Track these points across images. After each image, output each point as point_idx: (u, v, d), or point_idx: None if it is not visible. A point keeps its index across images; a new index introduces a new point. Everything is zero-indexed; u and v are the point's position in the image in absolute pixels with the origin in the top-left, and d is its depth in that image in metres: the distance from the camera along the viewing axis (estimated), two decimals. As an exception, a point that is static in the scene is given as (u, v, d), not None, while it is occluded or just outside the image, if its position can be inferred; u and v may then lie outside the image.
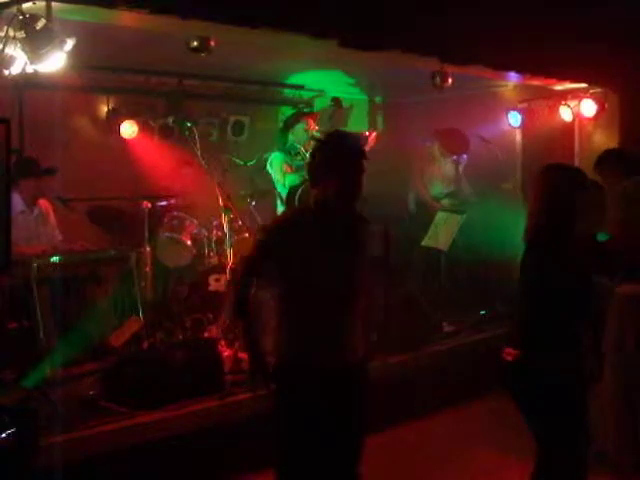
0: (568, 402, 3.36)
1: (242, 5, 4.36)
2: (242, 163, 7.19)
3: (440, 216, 7.23)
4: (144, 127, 7.29)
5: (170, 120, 7.36)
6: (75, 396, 4.78)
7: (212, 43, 5.21)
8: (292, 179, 5.95)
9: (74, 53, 4.31)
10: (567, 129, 7.82)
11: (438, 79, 6.58)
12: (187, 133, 6.92)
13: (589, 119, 7.65)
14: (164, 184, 7.14)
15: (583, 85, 7.46)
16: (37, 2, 4.06)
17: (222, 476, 4.61)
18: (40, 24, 4.08)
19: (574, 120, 7.75)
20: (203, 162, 6.51)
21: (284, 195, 5.93)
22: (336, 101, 8.31)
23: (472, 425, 5.64)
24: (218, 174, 6.57)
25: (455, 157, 7.81)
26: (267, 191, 6.47)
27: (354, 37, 4.91)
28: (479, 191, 7.78)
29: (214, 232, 6.58)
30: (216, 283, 6.32)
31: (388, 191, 8.18)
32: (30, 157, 6.01)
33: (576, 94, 7.65)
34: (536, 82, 7.49)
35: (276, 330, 3.28)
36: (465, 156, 7.86)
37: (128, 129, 7.20)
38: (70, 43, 4.23)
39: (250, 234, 6.13)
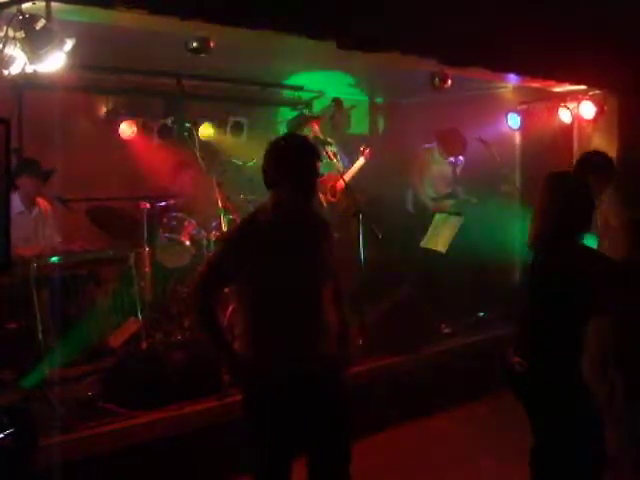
0: (583, 406, 3.33)
1: (241, 6, 4.35)
2: (241, 164, 7.19)
3: (438, 218, 7.23)
4: (143, 127, 7.29)
5: (169, 120, 7.36)
6: (74, 396, 4.78)
7: (211, 44, 5.22)
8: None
9: (73, 53, 4.31)
10: (566, 131, 7.82)
11: (437, 80, 6.59)
12: (186, 134, 6.93)
13: (588, 121, 7.65)
14: (163, 184, 7.14)
15: (582, 87, 7.46)
16: (37, 2, 4.06)
17: (221, 476, 4.61)
18: (40, 24, 4.08)
19: (573, 122, 7.75)
20: (202, 163, 6.52)
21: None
22: (337, 102, 8.34)
23: (472, 426, 5.64)
24: (217, 175, 6.58)
25: (452, 159, 7.82)
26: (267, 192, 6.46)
27: (353, 38, 4.91)
28: (478, 193, 7.77)
29: (213, 233, 6.57)
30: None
31: (389, 192, 8.21)
32: (31, 158, 6.01)
33: (575, 96, 7.65)
34: (535, 84, 7.49)
35: (241, 335, 3.25)
36: (462, 158, 7.87)
37: (127, 129, 7.20)
38: (69, 43, 4.23)
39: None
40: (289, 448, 3.22)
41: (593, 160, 5.41)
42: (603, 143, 7.46)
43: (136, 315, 5.77)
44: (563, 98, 7.73)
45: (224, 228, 6.27)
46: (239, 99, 8.11)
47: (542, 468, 3.50)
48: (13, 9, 4.07)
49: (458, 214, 7.13)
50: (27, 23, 4.07)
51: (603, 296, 3.32)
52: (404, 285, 6.70)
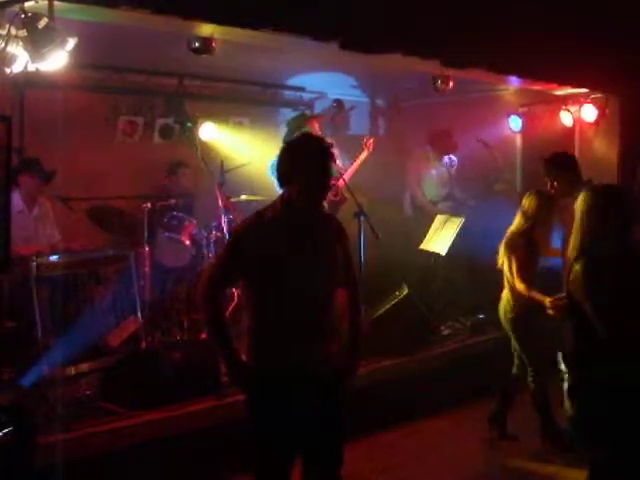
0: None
1: (244, 6, 4.35)
2: (242, 164, 7.19)
3: (438, 219, 7.24)
4: (145, 127, 7.29)
5: (171, 120, 7.36)
6: (73, 396, 4.78)
7: (213, 44, 5.22)
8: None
9: (75, 52, 4.31)
10: (567, 134, 7.82)
11: (439, 82, 6.60)
12: (187, 133, 6.93)
13: (590, 124, 7.65)
14: (164, 184, 7.14)
15: (584, 90, 7.46)
16: (39, 1, 4.06)
17: (220, 476, 4.61)
18: (42, 23, 4.09)
19: (574, 125, 7.75)
20: (203, 163, 6.52)
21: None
22: (338, 103, 8.34)
23: (471, 427, 5.63)
24: (218, 175, 6.58)
25: (446, 160, 7.83)
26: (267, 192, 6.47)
27: (355, 39, 4.91)
28: (478, 195, 7.78)
29: (213, 233, 6.57)
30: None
31: (389, 193, 8.21)
32: (32, 156, 6.01)
33: (577, 99, 7.66)
34: (537, 87, 7.50)
35: (248, 333, 3.23)
36: (456, 159, 7.89)
37: (129, 129, 7.20)
38: (72, 42, 4.23)
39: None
40: (291, 449, 3.21)
41: (558, 161, 5.44)
42: (604, 146, 7.47)
43: (135, 314, 5.76)
44: (564, 101, 7.73)
45: (224, 229, 6.27)
46: (241, 99, 8.11)
47: None
48: (16, 7, 4.07)
49: (458, 216, 7.13)
50: (29, 22, 4.07)
51: None
52: (403, 287, 6.69)
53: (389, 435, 5.50)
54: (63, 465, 3.95)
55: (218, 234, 6.54)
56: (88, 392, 4.85)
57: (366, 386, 5.54)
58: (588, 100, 7.56)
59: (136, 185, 7.01)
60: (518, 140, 8.49)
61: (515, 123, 8.19)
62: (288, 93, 8.57)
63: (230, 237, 3.59)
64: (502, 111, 8.29)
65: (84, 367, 5.20)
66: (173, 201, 6.75)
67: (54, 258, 5.38)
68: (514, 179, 8.41)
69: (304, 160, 3.19)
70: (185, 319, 6.21)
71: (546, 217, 5.13)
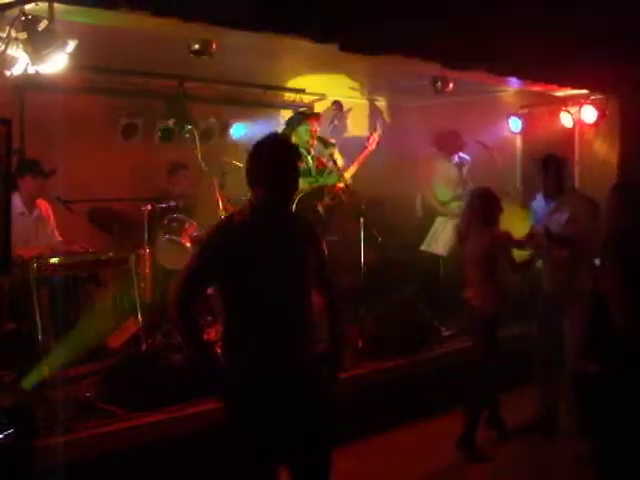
0: None
1: (244, 8, 4.36)
2: (242, 166, 7.17)
3: (439, 221, 7.24)
4: (145, 129, 7.29)
5: (171, 122, 7.36)
6: (73, 397, 4.77)
7: (213, 46, 5.23)
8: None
9: (76, 54, 4.32)
10: (567, 135, 7.82)
11: (439, 84, 6.60)
12: (188, 135, 6.93)
13: (590, 125, 7.66)
14: (164, 186, 7.14)
15: (584, 91, 7.47)
16: (39, 3, 4.07)
17: (220, 478, 4.60)
18: (42, 25, 4.09)
19: (574, 126, 7.76)
20: (203, 165, 6.52)
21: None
22: (337, 104, 8.34)
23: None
24: (218, 177, 6.57)
25: (457, 160, 7.83)
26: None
27: (355, 41, 4.92)
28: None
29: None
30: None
31: (389, 195, 8.20)
32: (32, 158, 6.01)
33: (577, 100, 7.66)
34: (537, 88, 7.50)
35: (222, 338, 3.17)
36: (468, 157, 7.88)
37: (129, 131, 7.20)
38: (72, 44, 4.24)
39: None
40: (273, 456, 3.11)
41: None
42: (604, 147, 7.47)
43: (136, 316, 5.76)
44: (564, 102, 7.74)
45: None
46: (241, 101, 8.11)
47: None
48: (16, 10, 4.08)
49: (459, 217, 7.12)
50: (30, 24, 4.08)
51: None
52: (404, 287, 6.70)
53: (389, 436, 5.50)
54: (63, 467, 3.95)
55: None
56: (88, 394, 4.84)
57: (366, 386, 5.55)
58: (588, 101, 7.57)
59: (136, 187, 7.01)
60: (518, 141, 8.49)
61: (515, 124, 8.20)
62: (289, 95, 8.56)
63: (200, 242, 3.49)
64: (502, 112, 8.30)
65: (84, 369, 5.20)
66: (173, 203, 6.75)
67: (54, 260, 5.38)
68: (514, 180, 8.41)
69: (269, 161, 3.16)
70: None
71: None
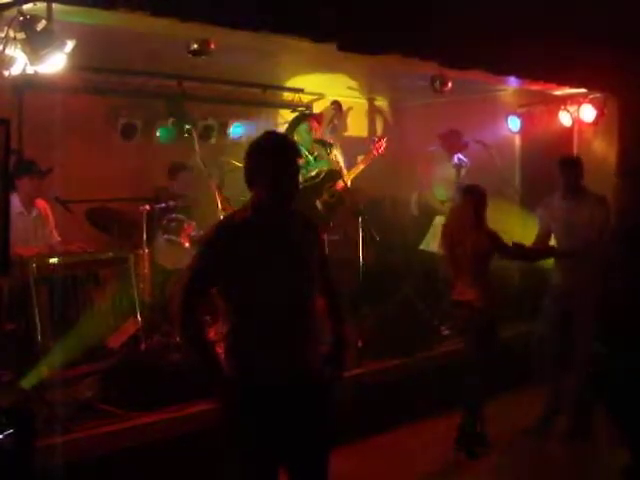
0: None
1: (242, 8, 4.36)
2: (241, 166, 7.17)
3: (438, 220, 7.24)
4: (144, 129, 7.29)
5: (170, 122, 7.36)
6: (72, 397, 4.77)
7: (212, 46, 5.22)
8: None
9: (74, 54, 4.31)
10: (566, 134, 7.83)
11: (438, 83, 6.60)
12: (187, 135, 6.92)
13: (588, 124, 7.66)
14: (164, 186, 7.14)
15: (583, 90, 7.47)
16: (38, 3, 4.07)
17: (220, 478, 4.60)
18: (40, 25, 4.09)
19: (573, 125, 7.76)
20: (202, 165, 6.52)
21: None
22: (336, 104, 8.34)
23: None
24: (217, 177, 6.57)
25: (457, 160, 7.83)
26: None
27: (353, 41, 4.92)
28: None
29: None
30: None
31: (389, 194, 8.21)
32: (29, 158, 6.01)
33: (575, 99, 7.66)
34: (535, 87, 7.50)
35: (225, 340, 3.13)
36: (467, 160, 7.88)
37: (127, 131, 7.19)
38: (70, 44, 4.24)
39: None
40: (273, 457, 3.08)
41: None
42: (603, 146, 7.48)
43: (135, 316, 5.76)
44: (563, 101, 7.74)
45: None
46: (239, 101, 8.11)
47: None
48: (14, 10, 4.08)
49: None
50: (28, 24, 4.08)
51: None
52: (403, 287, 6.70)
53: (389, 436, 5.50)
54: (63, 467, 3.95)
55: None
56: (88, 394, 4.83)
57: (366, 386, 5.55)
58: (587, 100, 7.57)
59: (135, 187, 7.01)
60: (517, 140, 8.49)
61: (514, 123, 8.19)
62: (287, 94, 8.56)
63: (200, 243, 3.42)
64: (501, 111, 8.29)
65: (84, 369, 5.19)
66: (172, 203, 6.75)
67: (54, 260, 5.39)
68: (513, 179, 8.41)
69: (269, 159, 3.11)
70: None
71: None
